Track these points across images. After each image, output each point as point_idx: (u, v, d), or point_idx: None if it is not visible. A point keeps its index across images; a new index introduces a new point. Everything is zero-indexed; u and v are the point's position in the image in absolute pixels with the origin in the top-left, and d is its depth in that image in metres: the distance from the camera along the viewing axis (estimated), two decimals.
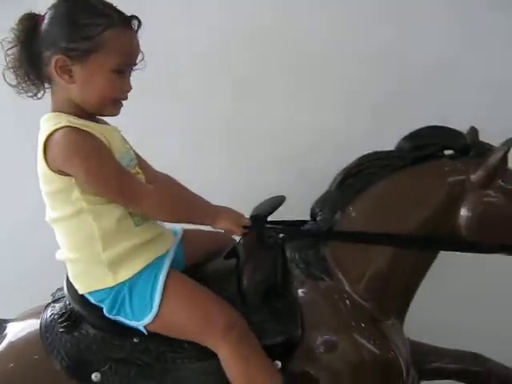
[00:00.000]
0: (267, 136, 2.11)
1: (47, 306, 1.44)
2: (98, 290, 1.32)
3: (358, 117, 2.07)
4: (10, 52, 1.28)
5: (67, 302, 1.40)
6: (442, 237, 1.38)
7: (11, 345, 1.41)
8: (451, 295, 1.99)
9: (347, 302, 1.38)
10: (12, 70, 1.29)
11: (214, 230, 1.39)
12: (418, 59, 2.03)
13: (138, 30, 1.31)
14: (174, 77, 2.07)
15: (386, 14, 2.04)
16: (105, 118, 1.38)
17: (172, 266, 1.35)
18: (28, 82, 1.31)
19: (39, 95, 1.34)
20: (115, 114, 1.34)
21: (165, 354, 1.33)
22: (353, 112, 2.08)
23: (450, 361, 1.58)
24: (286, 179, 2.06)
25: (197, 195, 1.45)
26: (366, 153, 1.43)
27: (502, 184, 1.35)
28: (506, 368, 1.57)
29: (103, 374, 1.33)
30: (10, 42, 1.28)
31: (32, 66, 1.29)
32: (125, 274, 1.30)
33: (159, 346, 1.34)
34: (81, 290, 1.34)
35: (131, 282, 1.31)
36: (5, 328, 1.45)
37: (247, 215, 1.40)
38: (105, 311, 1.32)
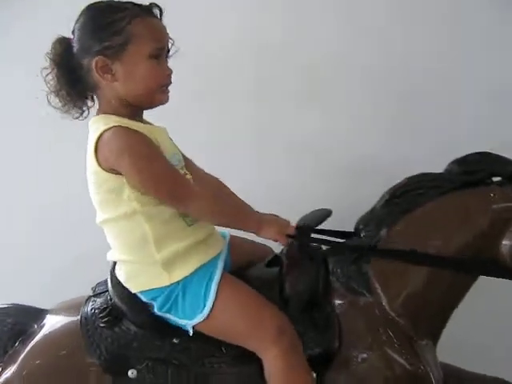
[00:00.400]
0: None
1: (88, 299, 1.45)
2: (151, 289, 1.33)
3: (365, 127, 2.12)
4: (49, 78, 1.32)
5: (109, 297, 1.41)
6: (485, 261, 1.39)
7: (50, 335, 1.42)
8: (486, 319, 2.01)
9: (384, 318, 1.39)
10: (54, 95, 1.33)
11: (257, 239, 1.41)
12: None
13: (161, 17, 1.34)
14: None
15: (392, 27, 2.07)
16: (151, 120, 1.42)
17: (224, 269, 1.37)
18: (71, 103, 1.35)
19: (85, 114, 1.38)
20: (164, 101, 1.36)
21: (203, 357, 1.34)
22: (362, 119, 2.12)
23: None
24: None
25: (243, 201, 1.47)
26: (413, 174, 1.45)
27: None
28: None
29: (140, 371, 1.35)
30: (46, 69, 1.32)
31: (72, 84, 1.33)
32: (180, 273, 1.32)
33: (198, 348, 1.35)
34: (133, 289, 1.35)
35: (185, 282, 1.32)
36: (44, 318, 1.47)
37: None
38: (155, 308, 1.34)
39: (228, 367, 1.34)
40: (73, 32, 1.33)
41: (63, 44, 1.32)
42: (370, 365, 1.36)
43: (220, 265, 1.37)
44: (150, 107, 1.37)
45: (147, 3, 1.34)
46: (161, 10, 1.34)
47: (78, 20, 1.32)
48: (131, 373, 1.34)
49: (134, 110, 1.35)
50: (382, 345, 1.37)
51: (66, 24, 1.34)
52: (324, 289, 1.41)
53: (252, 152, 2.16)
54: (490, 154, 1.42)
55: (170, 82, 1.36)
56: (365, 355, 1.36)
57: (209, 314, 1.31)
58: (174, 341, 1.36)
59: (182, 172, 1.39)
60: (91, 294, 1.47)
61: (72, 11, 1.34)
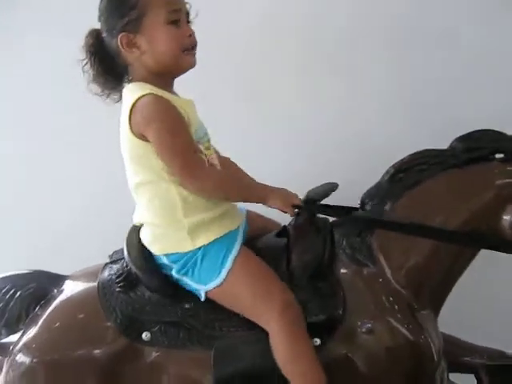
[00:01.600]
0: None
1: (105, 266, 1.53)
2: (174, 253, 1.41)
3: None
4: (86, 68, 1.41)
5: (124, 264, 1.48)
6: (483, 235, 1.44)
7: (69, 299, 1.50)
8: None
9: (387, 288, 1.45)
10: (94, 82, 1.42)
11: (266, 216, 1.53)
12: None
13: None
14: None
15: None
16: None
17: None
18: (110, 87, 1.44)
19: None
20: (193, 64, 1.42)
21: (213, 321, 1.41)
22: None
23: (479, 356, 1.64)
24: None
25: (250, 177, 1.55)
26: (418, 150, 1.49)
27: None
28: None
29: (153, 334, 1.42)
30: (82, 60, 1.41)
31: (109, 69, 1.42)
32: (202, 240, 1.40)
33: (208, 313, 1.42)
34: (158, 251, 1.43)
35: (206, 249, 1.40)
36: (63, 284, 1.54)
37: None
38: (174, 270, 1.42)
39: (236, 331, 1.41)
40: (99, 19, 1.41)
41: (94, 34, 1.42)
42: (372, 333, 1.41)
43: (239, 237, 1.44)
44: (181, 72, 1.43)
45: None
46: None
47: (99, 6, 1.41)
48: (145, 335, 1.41)
49: (165, 80, 1.41)
50: (385, 314, 1.43)
51: None
52: (329, 259, 1.46)
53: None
54: (492, 131, 1.47)
55: (195, 44, 1.42)
56: (368, 324, 1.42)
57: (222, 282, 1.38)
58: (186, 306, 1.43)
59: (206, 145, 1.46)
60: (108, 261, 1.54)
61: None
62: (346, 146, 2.12)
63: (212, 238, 1.40)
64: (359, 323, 1.42)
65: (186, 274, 1.41)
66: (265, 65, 2.13)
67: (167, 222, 1.42)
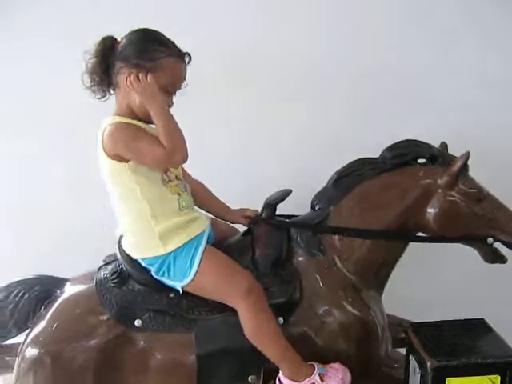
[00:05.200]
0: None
1: (100, 268, 1.80)
2: (149, 257, 1.69)
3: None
4: (90, 61, 1.68)
5: (117, 264, 1.76)
6: (408, 232, 1.77)
7: (70, 298, 1.76)
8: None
9: (336, 274, 1.75)
10: (89, 75, 1.69)
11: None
12: None
13: (188, 64, 1.71)
14: None
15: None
16: None
17: (207, 242, 1.73)
18: (99, 87, 1.70)
19: (104, 99, 1.73)
20: None
21: (193, 307, 1.69)
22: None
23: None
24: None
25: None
26: (357, 158, 1.81)
27: (462, 187, 1.73)
28: None
29: (144, 321, 1.69)
30: (90, 54, 1.67)
31: (106, 74, 1.68)
32: (172, 245, 1.67)
33: (189, 300, 1.70)
34: (136, 256, 1.71)
35: (176, 252, 1.67)
36: (64, 285, 1.81)
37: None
38: (152, 272, 1.69)
39: (213, 314, 1.69)
40: (122, 38, 1.66)
41: (110, 41, 1.66)
42: (326, 312, 1.71)
43: (204, 240, 1.72)
44: (146, 121, 1.69)
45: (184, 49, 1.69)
46: (190, 59, 1.70)
47: (131, 33, 1.65)
48: (137, 322, 1.68)
49: (138, 119, 1.68)
50: (335, 296, 1.73)
51: None
52: (287, 252, 1.77)
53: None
54: (414, 140, 1.79)
55: None
56: (322, 304, 1.71)
57: (193, 278, 1.67)
58: (170, 295, 1.70)
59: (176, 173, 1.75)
60: (102, 264, 1.81)
61: None
62: None
63: (180, 244, 1.67)
64: (314, 304, 1.72)
65: (162, 274, 1.69)
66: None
67: (141, 232, 1.70)
